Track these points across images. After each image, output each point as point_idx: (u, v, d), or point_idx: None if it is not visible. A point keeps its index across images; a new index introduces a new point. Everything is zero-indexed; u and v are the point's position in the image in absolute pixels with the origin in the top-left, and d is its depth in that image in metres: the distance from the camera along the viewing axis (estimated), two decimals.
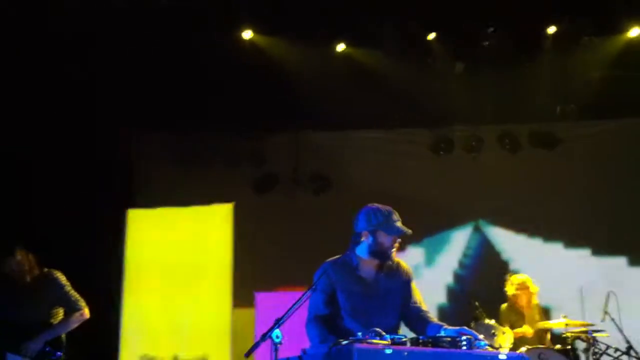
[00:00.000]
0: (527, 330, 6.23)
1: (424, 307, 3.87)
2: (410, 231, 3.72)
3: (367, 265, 3.79)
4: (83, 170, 7.30)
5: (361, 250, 3.78)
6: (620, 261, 8.12)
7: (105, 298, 6.40)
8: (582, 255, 8.20)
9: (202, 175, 8.48)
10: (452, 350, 3.33)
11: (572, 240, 8.23)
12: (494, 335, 5.50)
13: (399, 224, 3.73)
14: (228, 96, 7.83)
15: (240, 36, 7.49)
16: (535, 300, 6.62)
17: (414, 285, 3.90)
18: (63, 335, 4.97)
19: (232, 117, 8.23)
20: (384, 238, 3.71)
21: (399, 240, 3.73)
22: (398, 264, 3.88)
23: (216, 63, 7.42)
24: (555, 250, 8.26)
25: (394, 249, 3.74)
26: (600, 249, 8.17)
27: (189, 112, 8.08)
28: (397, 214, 3.76)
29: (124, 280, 6.02)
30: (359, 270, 3.77)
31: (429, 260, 8.47)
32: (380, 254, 3.73)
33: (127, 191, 8.09)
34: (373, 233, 3.72)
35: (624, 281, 7.80)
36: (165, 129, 8.64)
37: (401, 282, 3.83)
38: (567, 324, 5.97)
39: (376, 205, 3.81)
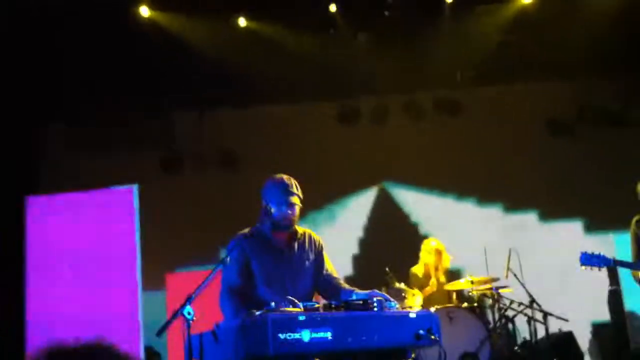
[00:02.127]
0: (434, 291, 6.42)
1: (336, 275, 3.93)
2: (300, 196, 3.77)
3: (279, 235, 3.81)
4: None
5: (269, 222, 3.79)
6: (531, 217, 8.49)
7: (6, 287, 6.13)
8: (492, 214, 8.53)
9: (106, 158, 8.24)
10: (364, 312, 3.40)
11: (483, 199, 8.55)
12: (404, 297, 5.65)
13: (292, 198, 3.75)
14: (130, 76, 7.61)
15: (138, 13, 7.23)
16: (447, 265, 6.84)
17: (325, 255, 3.97)
18: None
19: (135, 97, 8.02)
20: (279, 207, 3.76)
21: (296, 208, 3.77)
22: (310, 235, 3.94)
23: (116, 43, 7.17)
24: (466, 211, 8.55)
25: (294, 217, 3.77)
26: (510, 206, 8.53)
27: (91, 95, 7.83)
28: (292, 182, 3.81)
29: (25, 269, 5.74)
30: (271, 240, 3.78)
31: (333, 226, 8.58)
32: (281, 224, 3.77)
33: (26, 178, 7.77)
34: (270, 204, 3.76)
35: (533, 236, 8.23)
36: (67, 113, 8.36)
37: (313, 251, 3.89)
38: (472, 282, 6.21)
39: (276, 176, 3.85)
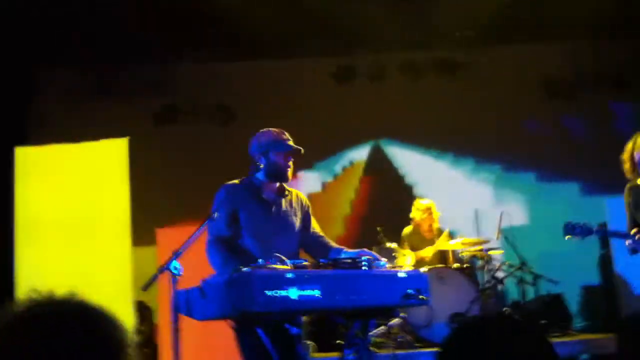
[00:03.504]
0: (426, 253, 6.42)
1: (323, 234, 3.90)
2: (300, 148, 3.72)
3: (268, 188, 3.75)
4: None
5: (260, 174, 3.74)
6: (528, 178, 8.45)
7: None
8: (488, 176, 8.48)
9: (99, 110, 8.14)
10: (353, 270, 3.38)
11: (479, 160, 8.50)
12: (394, 257, 5.64)
13: (289, 142, 3.72)
14: (125, 26, 7.43)
15: None
16: (437, 224, 6.81)
17: (312, 215, 3.93)
18: None
19: (130, 47, 7.87)
20: (276, 157, 3.69)
21: (291, 159, 3.73)
22: (297, 194, 3.89)
23: None
24: (462, 172, 8.50)
25: (289, 168, 3.72)
26: (507, 167, 8.49)
27: (84, 44, 7.65)
28: (287, 134, 3.78)
29: (13, 222, 5.69)
30: (261, 192, 3.73)
31: (326, 184, 8.55)
32: (276, 174, 3.72)
33: (15, 128, 7.67)
34: (266, 154, 3.70)
35: (528, 199, 8.22)
36: (60, 62, 8.21)
37: (300, 208, 3.84)
38: (463, 243, 6.21)
39: (267, 128, 3.78)
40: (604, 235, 4.55)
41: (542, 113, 8.48)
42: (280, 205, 3.75)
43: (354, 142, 8.63)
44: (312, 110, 8.31)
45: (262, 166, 3.68)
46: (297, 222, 3.78)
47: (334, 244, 3.84)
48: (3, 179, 5.87)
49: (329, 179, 8.65)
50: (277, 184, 3.77)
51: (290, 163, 3.73)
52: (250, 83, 8.46)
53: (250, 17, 7.38)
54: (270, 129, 3.79)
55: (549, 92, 8.49)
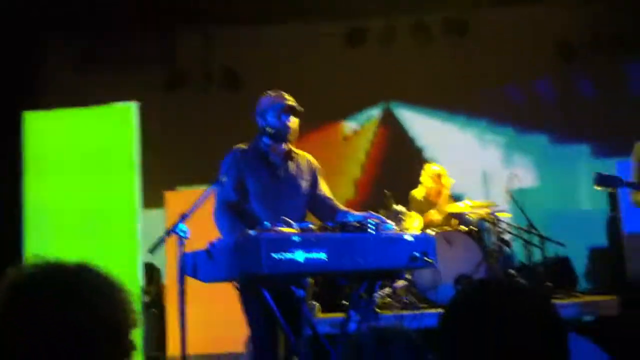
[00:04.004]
0: (434, 215, 6.42)
1: (331, 196, 3.91)
2: (295, 105, 3.71)
3: (275, 152, 3.76)
4: None
5: (265, 138, 3.75)
6: (542, 138, 8.40)
7: (4, 201, 6.16)
8: (499, 139, 8.42)
9: (108, 75, 8.13)
10: (360, 233, 3.40)
11: (491, 123, 8.44)
12: (401, 220, 5.64)
13: (293, 107, 3.71)
14: None
15: None
16: (448, 192, 6.80)
17: (321, 178, 3.93)
18: None
19: (137, 13, 7.81)
20: (273, 118, 3.70)
21: (289, 118, 3.70)
22: (306, 157, 3.88)
23: None
24: (473, 134, 8.45)
25: (289, 128, 3.70)
26: (519, 129, 8.41)
27: (92, 10, 7.60)
28: (286, 95, 3.77)
29: (23, 184, 5.75)
30: (268, 156, 3.73)
31: (336, 148, 8.53)
32: (276, 134, 3.71)
33: (24, 93, 7.69)
34: (264, 117, 3.71)
35: (539, 161, 8.20)
36: (68, 29, 8.17)
37: (309, 171, 3.85)
38: (471, 205, 6.20)
39: (267, 91, 3.78)
40: (632, 186, 4.51)
41: (554, 75, 8.38)
42: (287, 168, 3.76)
43: (365, 105, 8.57)
44: (323, 74, 8.25)
45: (264, 129, 3.69)
46: (304, 185, 3.79)
47: (341, 207, 3.85)
48: (13, 142, 5.91)
49: (340, 142, 8.62)
50: (285, 147, 3.76)
51: (291, 123, 3.71)
52: (260, 48, 8.39)
53: None
54: (270, 91, 3.79)
55: (562, 54, 8.36)
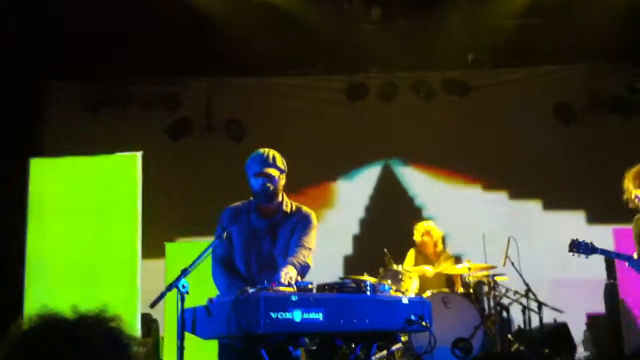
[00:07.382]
0: (428, 272, 6.39)
1: (297, 250, 3.75)
2: (265, 171, 3.68)
3: (262, 210, 3.82)
4: None
5: (253, 196, 3.83)
6: (535, 206, 8.47)
7: (7, 247, 6.18)
8: (496, 201, 8.48)
9: (112, 123, 8.26)
10: (357, 294, 3.42)
11: (487, 185, 8.51)
12: (401, 280, 5.67)
13: (266, 170, 3.70)
14: (140, 40, 7.55)
15: None
16: (441, 246, 6.83)
17: (311, 229, 3.83)
18: None
19: (144, 62, 7.98)
20: (251, 179, 3.78)
21: (275, 180, 3.70)
22: (298, 209, 3.88)
23: (129, 8, 7.10)
24: (470, 196, 8.51)
25: (270, 190, 3.71)
26: (514, 194, 8.49)
27: (100, 58, 7.77)
28: (270, 154, 3.74)
29: (27, 231, 5.78)
30: (252, 217, 3.79)
31: (335, 204, 8.56)
32: (257, 196, 3.77)
33: (31, 140, 7.80)
34: (248, 178, 3.79)
35: (535, 226, 8.22)
36: (75, 77, 8.36)
37: (293, 227, 3.82)
38: (470, 269, 6.22)
39: (256, 150, 3.82)
40: (607, 255, 4.64)
41: (552, 138, 8.47)
42: (268, 232, 3.80)
43: (365, 160, 8.66)
44: (324, 127, 8.38)
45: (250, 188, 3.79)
46: (280, 249, 3.81)
47: (290, 260, 3.70)
48: (18, 188, 5.97)
49: (339, 197, 8.66)
50: (272, 206, 3.81)
51: (276, 180, 3.73)
52: (263, 100, 8.54)
53: (265, 35, 7.49)
54: (256, 151, 3.81)
55: (559, 117, 8.49)
